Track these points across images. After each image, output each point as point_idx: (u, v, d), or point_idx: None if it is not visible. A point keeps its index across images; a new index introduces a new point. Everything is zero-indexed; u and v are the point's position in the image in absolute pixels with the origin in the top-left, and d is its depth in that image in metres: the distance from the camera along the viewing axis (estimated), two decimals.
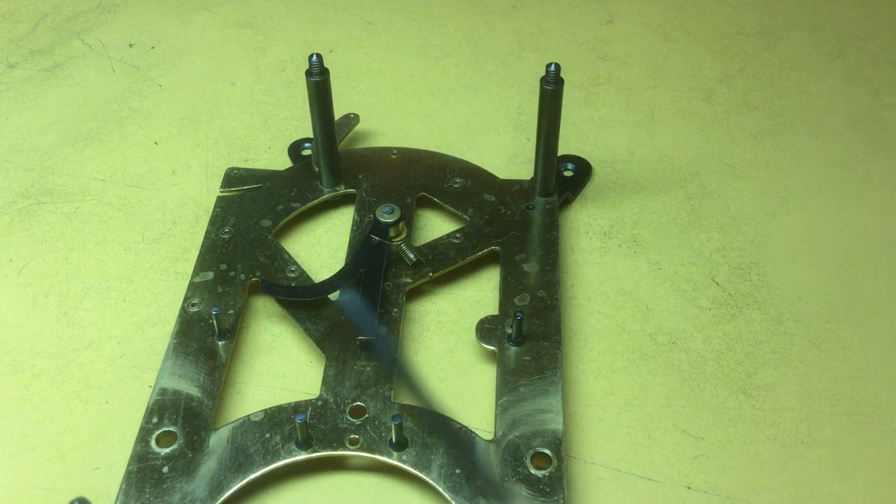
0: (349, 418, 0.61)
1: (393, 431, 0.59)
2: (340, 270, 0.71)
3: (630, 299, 0.72)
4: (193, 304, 0.69)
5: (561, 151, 0.79)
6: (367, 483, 0.60)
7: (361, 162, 0.82)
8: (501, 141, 0.88)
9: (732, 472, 0.60)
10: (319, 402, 0.62)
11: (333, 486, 0.60)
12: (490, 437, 0.61)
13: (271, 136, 0.89)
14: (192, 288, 0.70)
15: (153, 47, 1.01)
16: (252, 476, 0.58)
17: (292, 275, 0.72)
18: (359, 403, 0.62)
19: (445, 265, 0.73)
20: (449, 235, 0.75)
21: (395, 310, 0.69)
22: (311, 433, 0.60)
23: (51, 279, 0.74)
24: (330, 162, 0.78)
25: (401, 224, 0.73)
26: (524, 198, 0.78)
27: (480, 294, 0.73)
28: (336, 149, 0.78)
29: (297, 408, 0.62)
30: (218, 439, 0.60)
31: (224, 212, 0.77)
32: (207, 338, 0.67)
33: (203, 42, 1.02)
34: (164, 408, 0.62)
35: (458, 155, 0.84)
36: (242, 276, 0.71)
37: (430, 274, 0.72)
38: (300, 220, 0.79)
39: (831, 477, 0.60)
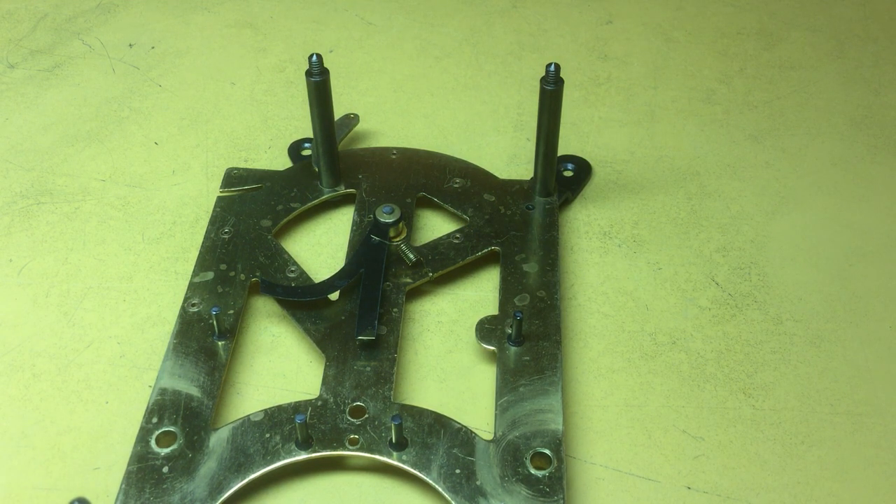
0: (349, 418, 0.61)
1: (393, 431, 0.59)
2: (340, 270, 0.71)
3: (630, 299, 0.72)
4: (193, 304, 0.69)
5: (561, 151, 0.79)
6: (367, 483, 0.60)
7: (361, 162, 0.82)
8: (501, 141, 0.88)
9: (732, 472, 0.60)
10: (319, 403, 0.62)
11: (333, 486, 0.60)
12: (490, 437, 0.61)
13: (271, 136, 0.89)
14: (192, 288, 0.70)
15: (153, 47, 1.01)
16: (252, 476, 0.58)
17: (292, 275, 0.72)
18: (359, 403, 0.62)
19: (445, 265, 0.73)
20: (449, 235, 0.75)
21: (395, 310, 0.69)
22: (310, 433, 0.60)
23: (51, 279, 0.74)
24: (330, 162, 0.78)
25: (401, 224, 0.73)
26: (524, 198, 0.78)
27: (480, 294, 0.73)
28: (336, 149, 0.78)
29: (296, 408, 0.62)
30: (218, 439, 0.60)
31: (224, 212, 0.77)
32: (207, 338, 0.67)
33: (203, 42, 1.02)
34: (164, 408, 0.62)
35: (458, 155, 0.84)
36: (242, 276, 0.71)
37: (430, 274, 0.72)
38: (300, 220, 0.79)
39: (831, 477, 0.60)
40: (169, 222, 0.79)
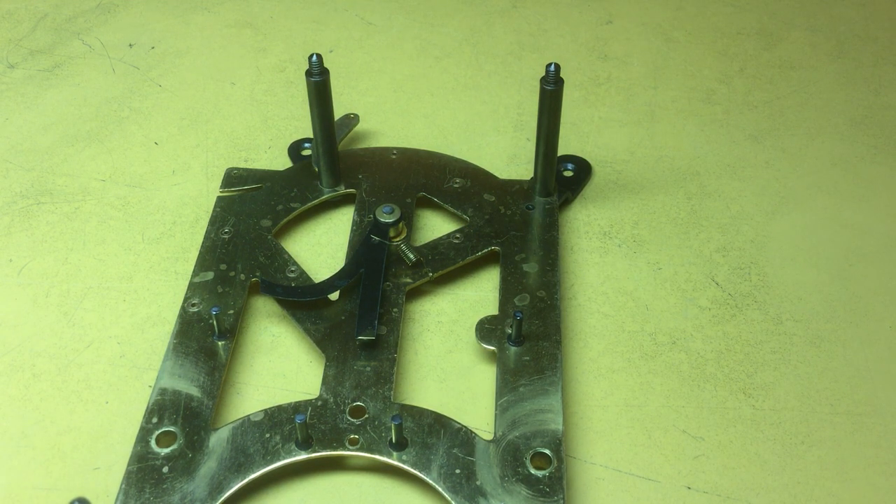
0: (349, 418, 0.61)
1: (393, 431, 0.59)
2: (340, 270, 0.71)
3: (630, 299, 0.72)
4: (193, 304, 0.69)
5: (561, 151, 0.79)
6: (367, 483, 0.60)
7: (361, 162, 0.82)
8: (501, 141, 0.88)
9: (732, 472, 0.60)
10: (319, 403, 0.62)
11: (333, 486, 0.60)
12: (490, 437, 0.61)
13: (271, 136, 0.89)
14: (192, 288, 0.70)
15: (153, 47, 1.01)
16: (252, 476, 0.58)
17: (292, 275, 0.72)
18: (359, 403, 0.62)
19: (445, 265, 0.73)
20: (449, 235, 0.75)
21: (395, 310, 0.69)
22: (310, 433, 0.60)
23: (51, 279, 0.74)
24: (330, 162, 0.78)
25: (401, 224, 0.73)
26: (524, 198, 0.78)
27: (480, 294, 0.73)
28: (336, 149, 0.78)
29: (296, 408, 0.62)
30: (218, 439, 0.60)
31: (224, 212, 0.77)
32: (207, 338, 0.67)
33: (203, 42, 1.02)
34: (164, 408, 0.62)
35: (458, 155, 0.84)
36: (242, 276, 0.71)
37: (430, 274, 0.72)
38: (300, 220, 0.79)
39: (831, 477, 0.60)
40: (169, 222, 0.79)
